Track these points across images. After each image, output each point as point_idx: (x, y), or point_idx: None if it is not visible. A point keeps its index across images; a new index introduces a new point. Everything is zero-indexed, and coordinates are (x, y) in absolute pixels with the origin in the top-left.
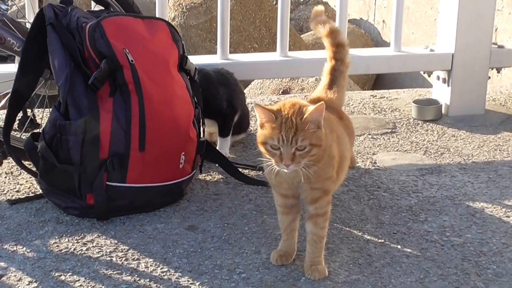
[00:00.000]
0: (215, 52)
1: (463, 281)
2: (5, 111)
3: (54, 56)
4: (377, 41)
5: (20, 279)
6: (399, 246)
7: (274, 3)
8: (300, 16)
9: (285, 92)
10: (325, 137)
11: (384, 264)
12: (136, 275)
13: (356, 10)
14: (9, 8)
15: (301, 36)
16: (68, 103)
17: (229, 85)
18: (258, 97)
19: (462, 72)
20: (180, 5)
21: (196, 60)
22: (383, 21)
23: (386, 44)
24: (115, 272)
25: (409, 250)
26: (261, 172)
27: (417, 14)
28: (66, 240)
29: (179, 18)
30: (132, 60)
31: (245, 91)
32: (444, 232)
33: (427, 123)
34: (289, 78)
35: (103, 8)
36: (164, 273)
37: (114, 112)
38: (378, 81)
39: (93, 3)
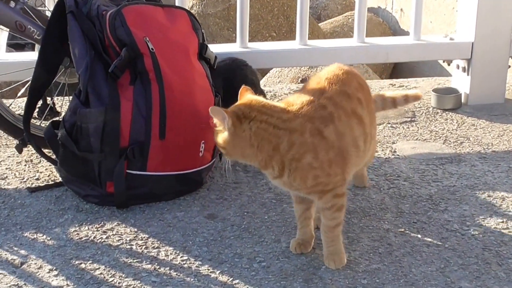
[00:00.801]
0: (233, 41)
1: (484, 271)
2: (25, 99)
3: (74, 44)
4: (395, 30)
5: (40, 267)
6: (419, 236)
7: None
8: (318, 5)
9: (304, 80)
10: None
11: (404, 253)
12: (156, 264)
13: None
14: None
15: (319, 24)
16: (89, 91)
17: (234, 79)
18: (277, 85)
19: (481, 61)
20: None
21: (215, 48)
22: (401, 9)
23: (404, 33)
24: (135, 261)
25: (429, 239)
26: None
27: (435, 3)
28: (86, 228)
29: (197, 6)
30: (152, 48)
31: (263, 79)
32: (464, 221)
33: (447, 112)
34: (308, 67)
35: None
36: (184, 262)
37: (135, 100)
38: (396, 69)
39: None
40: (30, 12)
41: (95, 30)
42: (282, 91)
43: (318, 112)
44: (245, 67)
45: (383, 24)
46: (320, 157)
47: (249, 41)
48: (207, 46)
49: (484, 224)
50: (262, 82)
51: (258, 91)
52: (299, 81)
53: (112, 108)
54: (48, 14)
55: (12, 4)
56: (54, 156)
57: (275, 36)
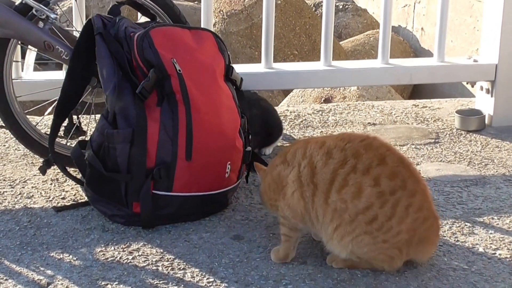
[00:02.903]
0: (255, 58)
1: None
2: (51, 117)
3: (102, 65)
4: (416, 48)
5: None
6: (445, 259)
7: (314, 10)
8: (339, 23)
9: (327, 100)
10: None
11: (431, 277)
12: (182, 285)
13: (395, 17)
14: (58, 17)
15: (340, 42)
16: (116, 112)
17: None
18: (300, 105)
19: (505, 83)
20: (221, 12)
21: (240, 69)
22: (422, 28)
23: (424, 52)
24: (161, 282)
25: (455, 263)
26: None
27: (456, 22)
28: (112, 248)
29: (220, 24)
30: (179, 70)
31: (286, 99)
32: (490, 245)
33: (471, 134)
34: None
35: (149, 20)
36: (211, 284)
37: (161, 121)
38: (416, 88)
39: (139, 15)
40: (58, 33)
41: (123, 52)
42: (305, 111)
43: None
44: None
45: (404, 42)
46: None
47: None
48: (233, 67)
49: (511, 248)
50: (285, 102)
51: None
52: (322, 101)
53: (139, 129)
54: (76, 34)
55: (41, 24)
56: (79, 176)
57: (297, 55)
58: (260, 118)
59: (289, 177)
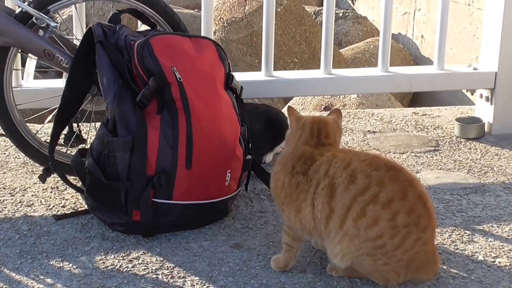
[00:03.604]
0: (255, 66)
1: None
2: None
3: (102, 73)
4: (416, 56)
5: None
6: (445, 267)
7: (314, 18)
8: (339, 31)
9: (327, 108)
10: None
11: (430, 285)
12: None
13: (395, 24)
14: (58, 25)
15: (340, 50)
16: (116, 120)
17: None
18: (300, 113)
19: (505, 91)
20: (221, 20)
21: (240, 77)
22: (422, 36)
23: (425, 59)
24: None
25: (455, 271)
26: None
27: (456, 30)
28: (112, 256)
29: (220, 32)
30: (180, 78)
31: (286, 107)
32: (490, 253)
33: (470, 141)
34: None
35: (149, 28)
36: None
37: (162, 129)
38: (416, 95)
39: (139, 23)
40: (58, 41)
41: (123, 60)
42: None
43: None
44: None
45: (404, 50)
46: None
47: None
48: (233, 76)
49: (510, 256)
50: (284, 110)
51: None
52: (322, 109)
53: (139, 137)
54: (76, 42)
55: (41, 32)
56: (79, 184)
57: (297, 62)
58: (263, 119)
59: (307, 197)
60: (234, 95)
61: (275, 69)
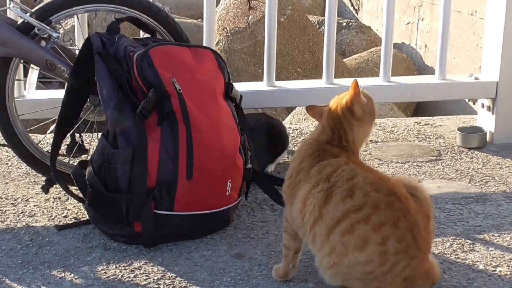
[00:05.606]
0: (258, 76)
1: None
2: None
3: (102, 85)
4: (419, 66)
5: None
6: (445, 276)
7: (317, 27)
8: (342, 41)
9: None
10: None
11: None
12: None
13: (398, 34)
14: (60, 36)
15: (344, 60)
16: (116, 132)
17: None
18: (303, 123)
19: (506, 100)
20: (225, 30)
21: (242, 87)
22: (425, 45)
23: (428, 69)
24: None
25: (456, 280)
26: None
27: (459, 40)
28: (114, 267)
29: (223, 42)
30: (179, 89)
31: (289, 116)
32: (491, 262)
33: (472, 151)
34: None
35: (149, 35)
36: None
37: (162, 141)
38: (420, 105)
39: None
40: (61, 51)
41: (123, 71)
42: (308, 129)
43: None
44: None
45: (407, 60)
46: None
47: (275, 77)
48: (232, 85)
49: (511, 265)
50: (288, 120)
51: None
52: None
53: (140, 149)
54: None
55: (43, 43)
56: (81, 194)
57: (301, 72)
58: (265, 130)
59: (299, 193)
60: (234, 104)
61: (279, 78)
